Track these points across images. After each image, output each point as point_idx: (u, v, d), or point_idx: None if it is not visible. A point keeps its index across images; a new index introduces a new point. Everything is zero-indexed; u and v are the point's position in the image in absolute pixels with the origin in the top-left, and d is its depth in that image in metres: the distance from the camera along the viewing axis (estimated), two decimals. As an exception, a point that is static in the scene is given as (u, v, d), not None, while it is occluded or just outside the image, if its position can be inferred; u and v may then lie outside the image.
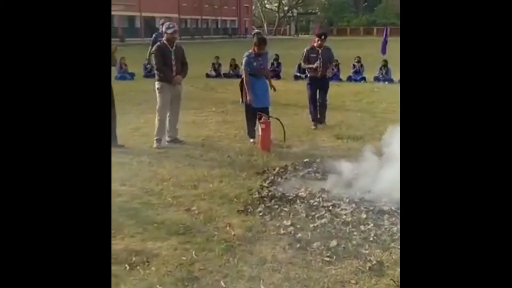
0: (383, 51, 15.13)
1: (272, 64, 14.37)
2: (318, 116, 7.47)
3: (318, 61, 7.15)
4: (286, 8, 74.16)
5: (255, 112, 6.20)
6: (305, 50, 7.41)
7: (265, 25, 70.85)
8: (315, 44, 7.34)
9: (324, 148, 6.15)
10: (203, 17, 56.30)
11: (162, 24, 6.86)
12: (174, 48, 6.05)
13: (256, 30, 7.43)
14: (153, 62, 6.17)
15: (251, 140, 6.36)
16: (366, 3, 73.97)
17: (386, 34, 15.61)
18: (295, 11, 75.54)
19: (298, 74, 13.86)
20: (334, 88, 12.26)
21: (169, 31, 6.02)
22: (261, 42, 6.17)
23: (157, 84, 6.10)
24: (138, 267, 3.06)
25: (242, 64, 6.35)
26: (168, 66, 6.04)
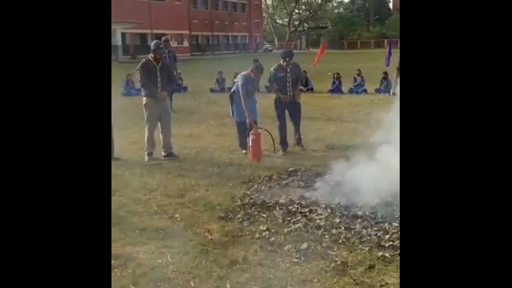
0: (387, 63, 15.28)
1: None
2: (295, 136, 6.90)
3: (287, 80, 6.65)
4: (296, 23, 74.78)
5: (244, 125, 6.42)
6: (272, 69, 6.76)
7: (275, 40, 71.48)
8: (283, 64, 6.67)
9: (313, 157, 6.30)
10: (214, 33, 57.10)
11: (165, 40, 6.85)
12: (159, 64, 6.23)
13: (257, 58, 7.59)
14: (138, 78, 6.34)
15: (243, 151, 6.56)
16: (376, 16, 74.22)
17: (389, 47, 15.78)
18: (305, 25, 76.13)
19: (301, 88, 14.06)
20: (333, 101, 12.50)
21: (155, 47, 6.19)
22: (259, 70, 6.52)
23: (144, 100, 6.30)
24: (116, 270, 3.24)
25: (237, 82, 6.60)
26: (154, 83, 6.19)
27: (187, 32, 51.06)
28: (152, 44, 6.31)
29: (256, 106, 6.71)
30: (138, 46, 42.81)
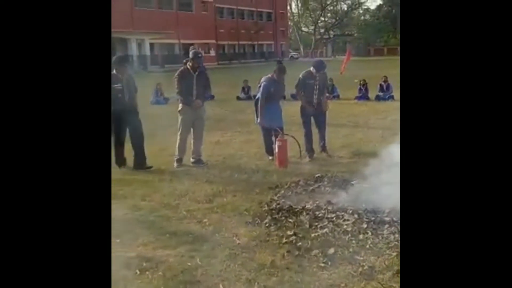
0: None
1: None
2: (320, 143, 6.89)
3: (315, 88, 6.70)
4: (322, 31, 74.73)
5: (270, 131, 6.49)
6: (300, 76, 6.81)
7: (301, 48, 71.55)
8: (313, 72, 6.70)
9: (340, 164, 6.31)
10: (240, 42, 57.60)
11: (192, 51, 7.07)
12: (196, 73, 6.40)
13: (280, 58, 7.71)
14: (175, 86, 6.54)
15: (270, 157, 6.62)
16: (403, 22, 73.42)
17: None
18: (331, 33, 76.01)
19: (327, 95, 14.11)
20: (360, 108, 12.45)
21: (195, 58, 6.38)
22: (281, 71, 6.62)
23: (179, 106, 6.49)
24: (147, 272, 3.34)
25: (259, 87, 6.70)
26: (189, 91, 6.38)
27: (213, 41, 51.70)
28: (191, 53, 6.51)
29: (281, 112, 6.76)
30: (166, 56, 43.57)
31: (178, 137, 6.49)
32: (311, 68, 6.73)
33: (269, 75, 6.70)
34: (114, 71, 6.15)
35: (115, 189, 5.33)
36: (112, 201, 4.88)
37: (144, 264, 3.45)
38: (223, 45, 54.91)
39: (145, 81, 18.26)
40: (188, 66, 6.44)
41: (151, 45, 40.53)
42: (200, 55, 6.54)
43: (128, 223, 4.31)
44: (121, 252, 3.68)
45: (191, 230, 4.10)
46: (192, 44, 46.36)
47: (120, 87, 6.09)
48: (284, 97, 7.57)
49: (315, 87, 6.67)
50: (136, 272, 3.34)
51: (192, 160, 6.58)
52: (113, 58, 6.17)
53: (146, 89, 15.63)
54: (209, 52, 50.55)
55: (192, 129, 6.54)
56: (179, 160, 6.48)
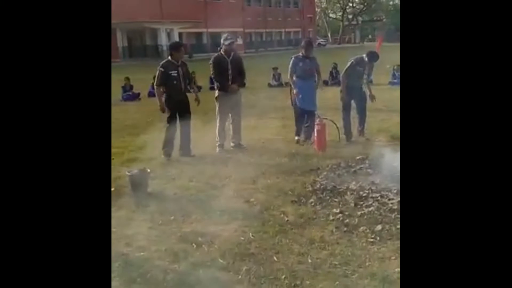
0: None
1: (331, 73, 14.89)
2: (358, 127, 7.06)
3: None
4: (350, 17, 73.68)
5: (303, 113, 6.67)
6: (349, 64, 6.99)
7: (329, 34, 70.81)
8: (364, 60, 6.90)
9: (379, 147, 6.38)
10: (267, 30, 57.41)
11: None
12: (231, 58, 6.51)
13: (312, 39, 7.76)
14: (211, 72, 6.64)
15: (296, 137, 6.81)
16: (434, 6, 71.74)
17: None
18: (359, 18, 74.88)
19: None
20: (394, 93, 12.36)
21: (226, 42, 6.48)
22: (308, 45, 6.74)
23: (216, 93, 6.64)
24: (203, 246, 3.54)
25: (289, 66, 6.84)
26: (224, 76, 6.48)
27: (241, 29, 51.67)
28: (223, 38, 6.61)
29: (315, 94, 6.87)
30: (194, 45, 43.90)
31: (218, 124, 6.64)
32: (364, 56, 6.84)
33: (298, 53, 6.85)
34: (169, 58, 6.21)
35: (162, 171, 5.58)
36: (161, 182, 5.13)
37: (200, 239, 3.65)
38: (250, 33, 54.85)
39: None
40: (222, 52, 6.55)
41: (180, 34, 40.88)
42: (230, 39, 6.58)
43: (179, 202, 4.53)
44: (176, 228, 3.90)
45: (239, 208, 4.28)
46: (219, 33, 46.68)
47: (176, 74, 6.10)
48: (327, 83, 7.59)
49: (364, 76, 6.82)
50: (193, 246, 3.54)
51: (232, 144, 6.76)
52: (169, 43, 6.31)
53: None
54: (236, 41, 50.63)
55: (230, 115, 6.70)
56: (221, 146, 6.65)
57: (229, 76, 6.49)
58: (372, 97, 7.03)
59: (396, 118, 8.46)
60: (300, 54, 6.77)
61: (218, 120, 6.64)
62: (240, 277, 3.04)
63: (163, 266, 3.23)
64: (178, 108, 6.20)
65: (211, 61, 6.62)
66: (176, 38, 39.39)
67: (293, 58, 6.81)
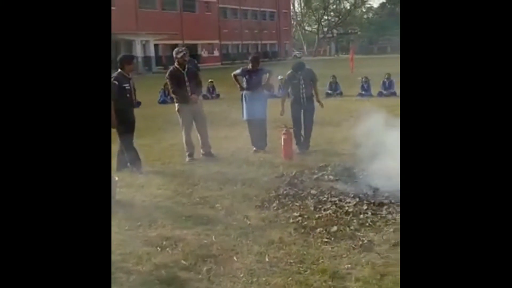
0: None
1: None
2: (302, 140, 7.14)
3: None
4: (325, 29, 74.98)
5: (254, 124, 7.05)
6: (286, 77, 7.27)
7: (304, 47, 71.83)
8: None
9: (342, 155, 6.66)
10: (244, 42, 57.95)
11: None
12: (186, 70, 6.69)
13: (258, 55, 7.85)
14: (169, 86, 6.79)
15: (254, 148, 7.14)
16: (406, 20, 73.58)
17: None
18: (335, 31, 76.24)
19: (330, 92, 14.56)
20: (363, 103, 12.78)
21: (179, 55, 6.66)
22: (254, 59, 7.14)
23: (176, 106, 6.80)
24: (167, 249, 3.70)
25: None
26: (183, 88, 6.65)
27: (217, 41, 52.03)
28: (174, 52, 6.80)
29: (265, 103, 7.19)
30: (171, 57, 43.88)
31: (184, 135, 6.83)
32: (290, 71, 7.11)
33: (245, 66, 7.24)
34: (120, 70, 6.08)
35: (133, 179, 5.72)
36: (130, 190, 5.26)
37: (164, 242, 3.81)
38: (227, 45, 55.27)
39: (151, 81, 18.66)
40: (176, 65, 6.72)
41: (156, 46, 40.94)
42: (182, 52, 6.74)
43: (146, 209, 4.68)
44: (142, 233, 4.04)
45: (205, 213, 4.45)
46: (196, 45, 46.96)
47: (128, 87, 6.07)
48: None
49: (301, 85, 6.97)
50: (157, 249, 3.70)
51: (202, 152, 6.93)
52: (120, 56, 6.25)
53: (153, 89, 16.06)
54: (213, 53, 50.95)
55: (195, 124, 6.87)
56: (190, 155, 6.82)
57: (187, 87, 6.66)
58: (320, 104, 7.26)
59: (361, 127, 8.79)
60: (248, 67, 7.10)
61: (183, 132, 6.82)
62: (200, 276, 3.21)
63: (127, 268, 3.38)
64: (129, 121, 6.19)
65: (167, 75, 6.84)
66: (152, 50, 39.47)
67: (241, 69, 7.19)
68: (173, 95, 6.89)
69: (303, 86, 6.99)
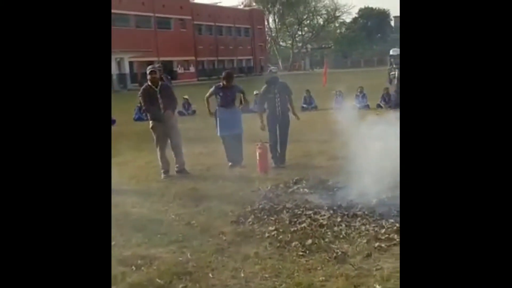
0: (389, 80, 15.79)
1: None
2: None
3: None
4: (299, 44, 76.01)
5: (229, 139, 7.09)
6: (261, 91, 7.35)
7: (280, 62, 72.56)
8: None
9: (318, 168, 6.73)
10: (219, 58, 58.24)
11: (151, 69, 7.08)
12: (159, 87, 6.72)
13: (232, 71, 7.85)
14: (142, 104, 6.80)
15: (229, 163, 7.13)
16: (379, 34, 75.27)
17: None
18: (309, 46, 77.34)
19: (305, 106, 14.73)
20: (337, 116, 12.97)
21: (149, 72, 6.73)
22: (228, 76, 7.16)
23: (150, 124, 6.79)
24: (142, 268, 3.67)
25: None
26: (156, 105, 6.67)
27: (193, 58, 52.15)
28: (147, 69, 6.83)
29: (240, 118, 7.27)
30: (146, 74, 43.81)
31: (158, 152, 6.82)
32: (265, 85, 7.20)
33: (219, 83, 7.26)
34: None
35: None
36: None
37: (139, 261, 3.77)
38: (203, 61, 55.44)
39: (125, 99, 18.54)
40: (149, 83, 6.75)
41: (131, 63, 40.77)
42: (153, 70, 6.81)
43: (121, 228, 4.63)
44: (117, 252, 3.99)
45: (180, 230, 4.43)
46: (171, 62, 46.94)
47: None
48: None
49: (276, 99, 7.07)
50: (132, 268, 3.66)
51: (176, 169, 6.91)
52: None
53: (128, 107, 15.95)
54: (188, 69, 51.01)
55: (169, 141, 6.86)
56: (166, 172, 6.79)
57: (160, 104, 6.67)
58: (296, 116, 7.37)
59: (335, 141, 8.90)
60: (221, 84, 7.14)
61: (158, 149, 6.81)
62: (175, 294, 3.19)
63: (101, 288, 3.33)
64: None
65: (139, 94, 6.84)
66: (127, 67, 39.27)
67: (213, 88, 7.20)
68: (146, 113, 6.86)
69: (279, 100, 7.07)
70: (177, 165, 6.90)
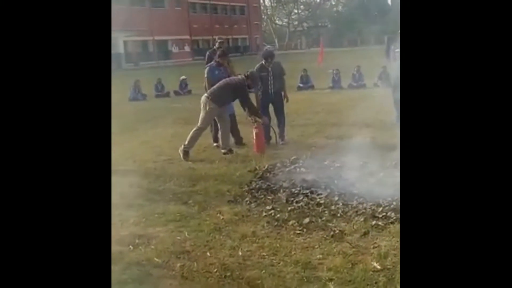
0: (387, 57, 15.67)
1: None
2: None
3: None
4: (296, 23, 75.25)
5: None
6: (254, 69, 7.12)
7: (276, 41, 71.93)
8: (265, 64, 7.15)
9: (314, 147, 6.73)
10: (214, 37, 57.71)
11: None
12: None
13: (225, 50, 7.85)
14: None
15: (214, 144, 7.14)
16: (376, 13, 74.56)
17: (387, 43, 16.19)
18: (305, 25, 76.59)
19: (301, 85, 14.65)
20: (334, 96, 12.94)
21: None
22: (222, 54, 7.10)
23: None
24: (140, 247, 3.67)
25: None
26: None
27: (188, 37, 51.61)
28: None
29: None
30: (140, 53, 43.41)
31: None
32: (263, 61, 7.13)
33: (213, 62, 7.16)
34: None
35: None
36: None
37: (137, 241, 3.78)
38: (197, 40, 54.87)
39: (120, 78, 18.39)
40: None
41: (125, 42, 40.32)
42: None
43: (117, 208, 4.62)
44: (114, 232, 3.99)
45: (178, 210, 4.43)
46: (165, 41, 46.49)
47: None
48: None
49: (270, 77, 7.03)
50: (130, 247, 3.67)
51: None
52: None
53: (123, 87, 15.82)
54: (183, 48, 50.54)
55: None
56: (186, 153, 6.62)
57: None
58: (286, 98, 7.31)
59: (332, 119, 8.90)
60: (214, 63, 7.09)
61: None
62: (173, 272, 3.21)
63: (99, 267, 3.34)
64: None
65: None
66: (121, 47, 38.87)
67: (208, 67, 7.12)
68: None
69: (272, 79, 7.03)
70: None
